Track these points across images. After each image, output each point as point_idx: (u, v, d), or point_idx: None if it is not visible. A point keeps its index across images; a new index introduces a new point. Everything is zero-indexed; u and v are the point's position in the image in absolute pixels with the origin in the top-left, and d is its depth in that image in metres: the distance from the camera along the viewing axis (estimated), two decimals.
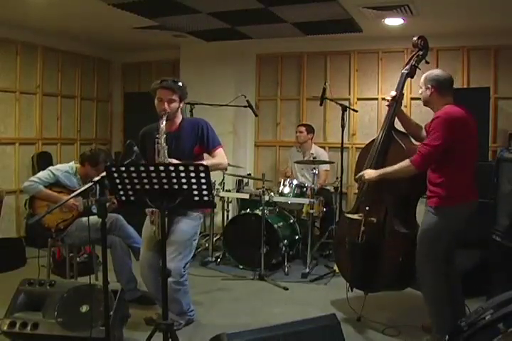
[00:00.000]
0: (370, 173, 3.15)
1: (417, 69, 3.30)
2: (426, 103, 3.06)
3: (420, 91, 3.05)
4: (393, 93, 3.26)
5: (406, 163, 2.90)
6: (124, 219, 3.83)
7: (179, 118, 3.26)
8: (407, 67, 3.31)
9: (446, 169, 2.85)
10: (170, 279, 3.05)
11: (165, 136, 3.01)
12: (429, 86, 2.96)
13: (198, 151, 3.21)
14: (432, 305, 2.94)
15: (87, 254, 4.31)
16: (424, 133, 3.15)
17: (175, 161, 2.99)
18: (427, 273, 2.92)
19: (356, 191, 5.60)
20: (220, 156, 3.22)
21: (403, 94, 3.34)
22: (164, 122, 3.02)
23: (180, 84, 3.14)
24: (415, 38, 3.29)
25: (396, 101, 3.26)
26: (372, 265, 3.23)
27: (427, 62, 3.33)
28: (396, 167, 2.97)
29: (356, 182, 3.46)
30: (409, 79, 3.35)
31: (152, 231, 3.15)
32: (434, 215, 2.91)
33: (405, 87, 3.37)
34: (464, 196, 2.88)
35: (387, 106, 3.30)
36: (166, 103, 3.07)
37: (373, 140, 3.39)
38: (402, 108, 3.44)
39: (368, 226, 3.22)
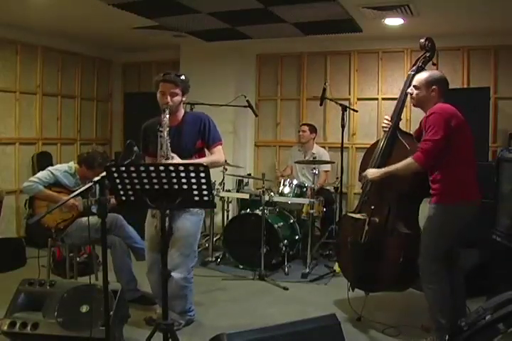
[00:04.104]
0: (372, 172, 3.16)
1: (424, 71, 3.30)
2: (421, 104, 3.06)
3: (416, 92, 3.03)
4: (386, 122, 3.30)
5: (409, 160, 2.90)
6: (124, 219, 3.83)
7: (181, 112, 3.25)
8: (414, 68, 3.32)
9: (446, 166, 2.86)
10: (178, 275, 3.07)
11: (168, 129, 3.01)
12: (434, 87, 2.96)
13: (200, 146, 3.21)
14: (433, 304, 2.94)
15: (87, 254, 4.31)
16: None
17: (176, 157, 3.00)
18: (429, 271, 2.92)
19: (356, 191, 5.65)
20: (218, 154, 3.22)
21: (407, 95, 3.34)
22: (168, 115, 3.02)
23: (182, 77, 3.13)
24: (422, 40, 3.30)
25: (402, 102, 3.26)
26: (373, 265, 3.23)
27: (433, 64, 3.34)
28: (399, 165, 2.97)
29: (360, 181, 3.46)
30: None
31: (154, 227, 3.14)
32: (435, 212, 2.91)
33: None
34: (464, 195, 2.88)
35: (384, 130, 3.32)
36: (168, 96, 3.07)
37: (378, 140, 3.40)
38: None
39: (370, 225, 3.23)
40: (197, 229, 3.24)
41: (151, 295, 3.48)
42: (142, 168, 2.28)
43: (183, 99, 3.19)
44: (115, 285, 3.03)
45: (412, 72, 3.30)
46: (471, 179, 2.93)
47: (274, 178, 5.70)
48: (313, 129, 5.62)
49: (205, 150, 3.29)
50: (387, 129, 3.29)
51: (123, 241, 3.74)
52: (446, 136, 2.78)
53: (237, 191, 5.50)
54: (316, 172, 4.84)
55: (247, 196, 5.09)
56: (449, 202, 2.87)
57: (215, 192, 4.88)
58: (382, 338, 3.16)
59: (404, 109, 5.36)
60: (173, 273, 2.92)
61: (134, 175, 2.29)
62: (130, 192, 2.36)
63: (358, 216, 3.31)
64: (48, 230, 3.67)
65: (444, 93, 2.98)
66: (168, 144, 3.01)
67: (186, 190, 2.30)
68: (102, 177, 2.37)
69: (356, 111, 5.58)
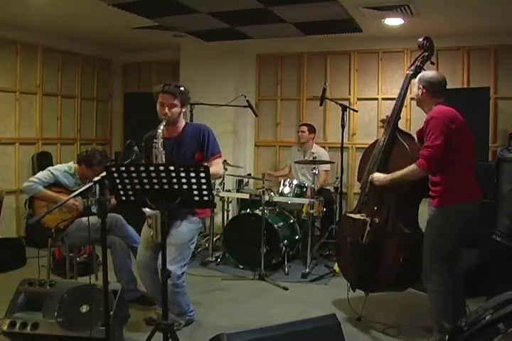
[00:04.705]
0: (380, 178, 3.14)
1: (422, 70, 3.30)
2: (418, 103, 3.10)
3: (415, 90, 3.08)
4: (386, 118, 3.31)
5: (413, 167, 2.89)
6: (124, 219, 3.83)
7: (182, 123, 3.25)
8: (412, 67, 3.31)
9: (445, 168, 2.86)
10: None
11: (162, 140, 3.01)
12: (421, 86, 2.99)
13: (199, 157, 3.20)
14: (436, 305, 2.94)
15: (87, 254, 4.31)
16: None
17: None
18: (433, 272, 2.92)
19: (356, 191, 5.65)
20: (216, 166, 3.20)
21: (406, 94, 3.35)
22: (162, 127, 3.02)
23: (182, 88, 3.14)
24: (420, 39, 3.29)
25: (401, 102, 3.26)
26: (373, 265, 3.23)
27: (432, 63, 3.34)
28: (405, 171, 2.97)
29: (359, 181, 3.46)
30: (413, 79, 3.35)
31: (149, 235, 3.14)
32: (437, 214, 2.92)
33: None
34: (465, 194, 2.89)
35: (384, 127, 3.32)
36: (166, 107, 3.08)
37: (377, 140, 3.39)
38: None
39: (372, 226, 3.22)
40: (191, 237, 3.22)
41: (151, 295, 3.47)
42: (142, 168, 2.28)
43: (183, 110, 3.20)
44: (115, 285, 3.02)
45: (411, 72, 3.30)
46: (471, 179, 2.93)
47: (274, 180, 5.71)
48: (312, 129, 5.62)
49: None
50: (385, 125, 3.27)
51: (123, 241, 3.75)
52: (446, 140, 2.79)
53: (237, 191, 5.50)
54: (316, 172, 4.84)
55: (247, 196, 5.09)
56: (450, 203, 2.87)
57: (215, 192, 4.88)
58: (382, 338, 3.16)
59: (404, 108, 5.43)
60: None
61: (134, 175, 2.29)
62: (130, 192, 2.35)
63: (357, 216, 3.31)
64: (48, 230, 3.67)
65: (437, 94, 2.97)
66: (163, 156, 3.01)
67: (186, 190, 2.30)
68: (102, 177, 2.37)
69: (356, 111, 5.58)
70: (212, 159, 3.20)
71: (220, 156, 3.26)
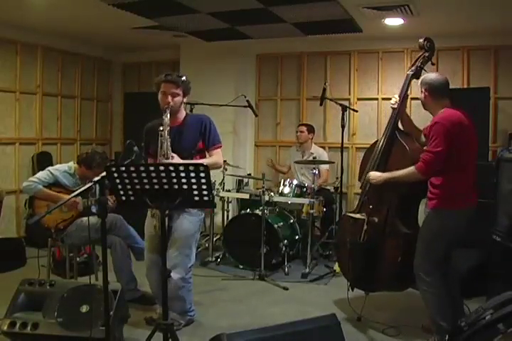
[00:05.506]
0: (376, 177, 3.14)
1: (423, 71, 3.30)
2: (424, 106, 3.07)
3: (419, 95, 3.07)
4: (394, 100, 3.26)
5: (412, 169, 2.89)
6: (124, 219, 3.83)
7: (182, 114, 3.27)
8: (413, 68, 3.30)
9: (446, 171, 2.85)
10: (176, 276, 3.07)
11: (168, 128, 3.02)
12: (423, 89, 2.98)
13: (201, 147, 3.23)
14: (432, 306, 2.93)
15: (87, 254, 4.31)
16: (423, 137, 3.14)
17: (176, 157, 3.01)
18: (426, 273, 2.91)
19: (356, 191, 5.65)
20: (217, 156, 3.24)
21: (408, 95, 3.34)
22: (168, 115, 3.04)
23: (184, 78, 3.16)
24: (421, 40, 3.28)
25: (401, 102, 3.25)
26: (372, 264, 3.23)
27: (432, 64, 3.33)
28: (402, 172, 2.97)
29: (360, 181, 3.46)
30: (414, 80, 3.34)
31: (153, 227, 3.15)
32: (433, 217, 2.91)
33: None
34: (463, 199, 2.87)
35: (392, 107, 3.28)
36: (169, 96, 3.09)
37: (377, 140, 3.39)
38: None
39: (369, 225, 3.23)
40: (196, 230, 3.25)
41: (151, 295, 3.47)
42: (142, 168, 2.28)
43: (184, 99, 3.22)
44: (115, 285, 3.03)
45: (411, 72, 3.29)
46: (470, 184, 2.92)
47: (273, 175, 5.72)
48: (310, 129, 5.62)
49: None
50: (395, 106, 3.24)
51: (123, 241, 3.74)
52: (447, 147, 2.78)
53: (237, 191, 5.50)
54: (316, 172, 4.84)
55: (247, 196, 5.09)
56: (448, 207, 2.86)
57: (215, 192, 4.88)
58: (382, 338, 3.16)
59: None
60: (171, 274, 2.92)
61: (134, 175, 2.30)
62: (130, 192, 2.36)
63: (357, 216, 3.31)
64: (48, 230, 3.68)
65: (440, 96, 2.96)
66: (169, 144, 3.02)
67: (186, 190, 2.30)
68: (102, 177, 2.37)
69: (356, 111, 5.58)
70: (213, 149, 3.23)
71: (220, 146, 3.28)
